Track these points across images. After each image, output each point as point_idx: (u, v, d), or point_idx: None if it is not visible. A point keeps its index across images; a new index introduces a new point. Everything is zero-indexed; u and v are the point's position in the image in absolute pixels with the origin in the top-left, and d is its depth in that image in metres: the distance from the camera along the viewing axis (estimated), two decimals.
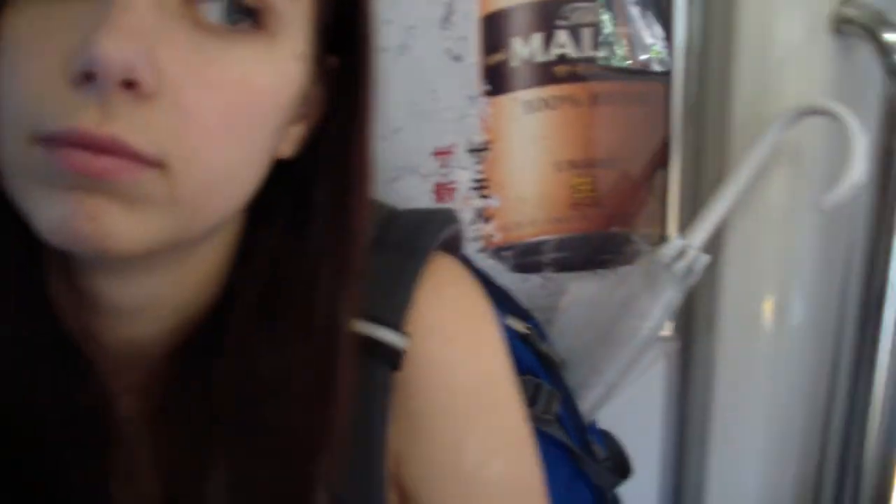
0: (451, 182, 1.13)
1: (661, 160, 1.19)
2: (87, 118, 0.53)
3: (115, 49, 0.51)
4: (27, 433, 0.67)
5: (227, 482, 0.69)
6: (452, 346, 0.77)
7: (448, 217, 0.82)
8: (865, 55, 1.06)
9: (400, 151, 1.10)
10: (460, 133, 1.12)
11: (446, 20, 1.08)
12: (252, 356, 0.69)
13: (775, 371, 1.19)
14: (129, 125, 0.54)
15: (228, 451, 0.69)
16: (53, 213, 0.56)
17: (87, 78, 0.52)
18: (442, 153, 1.13)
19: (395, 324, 0.73)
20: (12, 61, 0.56)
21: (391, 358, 0.73)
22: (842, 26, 1.07)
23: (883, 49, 1.02)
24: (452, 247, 0.82)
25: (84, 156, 0.54)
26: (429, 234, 0.79)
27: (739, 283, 1.17)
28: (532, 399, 0.98)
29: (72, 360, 0.68)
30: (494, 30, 1.11)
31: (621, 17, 1.12)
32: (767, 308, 1.17)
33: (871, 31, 1.04)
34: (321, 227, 0.70)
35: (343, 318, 0.70)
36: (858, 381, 1.13)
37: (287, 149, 0.68)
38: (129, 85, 0.53)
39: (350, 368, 0.70)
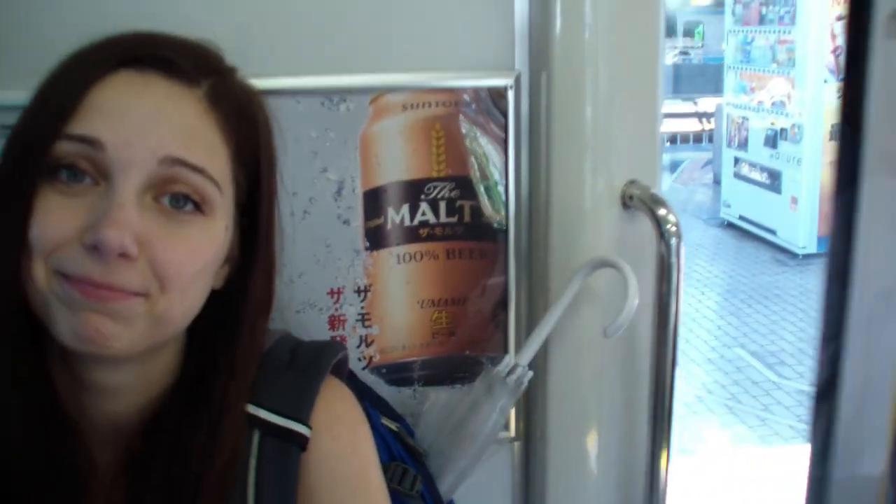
0: (342, 315, 1.42)
1: (501, 300, 1.48)
2: (95, 272, 0.86)
3: (115, 237, 0.85)
4: (22, 481, 0.95)
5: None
6: (337, 441, 1.06)
7: (338, 348, 1.14)
8: (644, 223, 1.39)
9: (303, 291, 1.39)
10: (348, 278, 1.42)
11: (338, 193, 1.38)
12: (178, 421, 0.99)
13: (594, 456, 1.50)
14: (120, 276, 0.87)
15: (164, 486, 0.96)
16: (69, 326, 0.88)
17: (95, 248, 0.85)
18: (334, 293, 1.42)
19: (304, 420, 1.03)
20: (44, 225, 0.87)
21: (301, 442, 1.03)
22: (628, 201, 1.41)
23: (656, 219, 1.35)
24: (341, 368, 1.14)
25: (94, 290, 0.86)
26: (325, 360, 1.10)
27: (562, 394, 1.49)
28: (400, 480, 1.26)
29: (64, 425, 0.96)
30: (374, 202, 1.41)
31: (468, 193, 1.44)
32: (586, 409, 1.50)
33: (647, 206, 1.37)
34: (229, 339, 1.01)
35: (234, 396, 1.00)
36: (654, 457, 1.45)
37: (216, 283, 1.00)
38: (122, 255, 0.86)
39: (232, 435, 0.99)
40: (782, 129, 10.67)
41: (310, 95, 1.32)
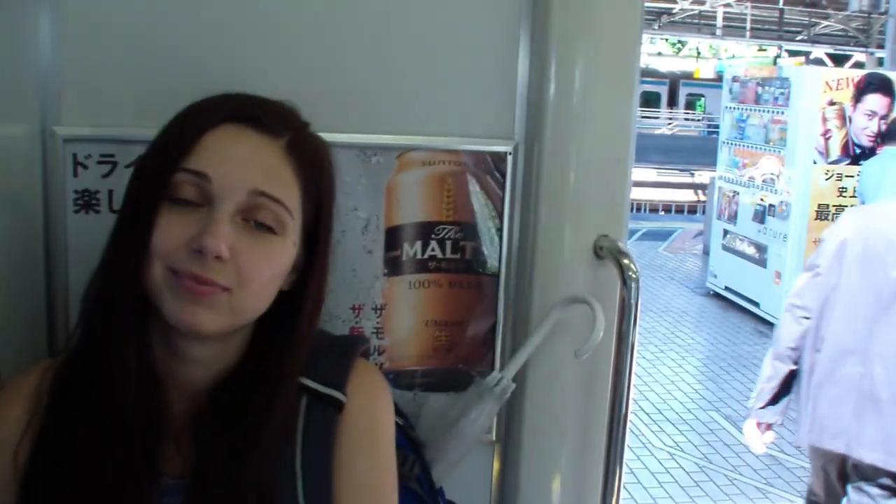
0: (361, 327, 1.73)
1: (491, 325, 1.79)
2: (197, 268, 1.19)
3: (214, 244, 1.17)
4: (125, 420, 1.25)
5: (224, 459, 1.26)
6: (363, 404, 1.36)
7: (364, 339, 1.47)
8: (611, 270, 1.70)
9: (332, 305, 1.68)
10: (368, 297, 1.72)
11: (366, 229, 1.69)
12: (244, 388, 1.30)
13: (561, 461, 1.81)
14: (215, 273, 1.20)
15: (227, 437, 1.26)
16: (176, 310, 1.21)
17: (199, 252, 1.18)
18: (356, 308, 1.72)
19: (341, 388, 1.35)
20: (163, 235, 1.20)
21: (338, 405, 1.34)
22: (598, 251, 1.72)
23: (621, 267, 1.66)
24: (366, 353, 1.46)
25: (194, 285, 1.19)
26: (356, 345, 1.42)
27: (537, 405, 1.80)
28: (402, 464, 1.53)
29: (156, 382, 1.29)
30: (393, 237, 1.71)
31: (469, 236, 1.75)
32: (555, 419, 1.80)
33: (614, 257, 1.69)
34: (290, 325, 1.32)
35: (290, 372, 1.31)
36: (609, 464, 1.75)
37: (285, 286, 1.33)
38: (217, 258, 1.18)
39: (286, 400, 1.30)
40: (770, 206, 10.95)
41: (349, 149, 1.64)
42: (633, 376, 1.71)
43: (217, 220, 1.19)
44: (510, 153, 1.74)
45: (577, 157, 1.73)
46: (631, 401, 1.72)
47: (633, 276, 1.66)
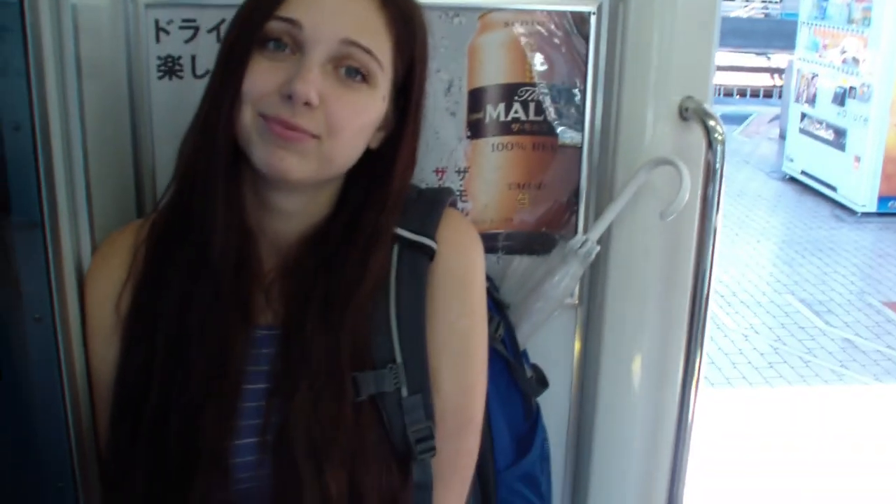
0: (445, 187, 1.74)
1: (575, 188, 1.79)
2: (286, 113, 1.20)
3: (303, 89, 1.18)
4: (216, 269, 1.28)
5: (319, 309, 1.29)
6: (454, 251, 1.37)
7: (451, 190, 1.48)
8: (696, 132, 1.68)
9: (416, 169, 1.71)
10: (451, 161, 1.73)
11: (448, 90, 1.69)
12: (337, 242, 1.32)
13: (643, 325, 1.82)
14: (304, 119, 1.20)
15: (322, 288, 1.30)
16: (264, 155, 1.22)
17: (289, 97, 1.18)
18: (439, 171, 1.73)
19: (432, 235, 1.35)
20: (254, 80, 1.20)
21: (429, 252, 1.35)
22: (683, 112, 1.70)
23: (706, 129, 1.64)
24: (454, 203, 1.46)
25: (282, 130, 1.20)
26: (445, 195, 1.42)
27: (621, 268, 1.80)
28: (488, 324, 1.53)
29: (247, 233, 1.32)
30: (476, 99, 1.71)
31: (554, 98, 1.73)
32: (638, 283, 1.81)
33: (700, 118, 1.67)
34: (382, 182, 1.34)
35: (386, 226, 1.33)
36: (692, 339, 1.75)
37: (373, 144, 1.33)
38: (306, 104, 1.19)
39: (383, 253, 1.32)
40: (851, 88, 10.68)
41: (431, 9, 1.58)
42: (718, 240, 1.69)
43: (307, 66, 1.19)
44: (594, 13, 1.71)
45: (662, 19, 1.71)
46: (716, 265, 1.71)
47: (719, 137, 1.64)
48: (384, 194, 1.33)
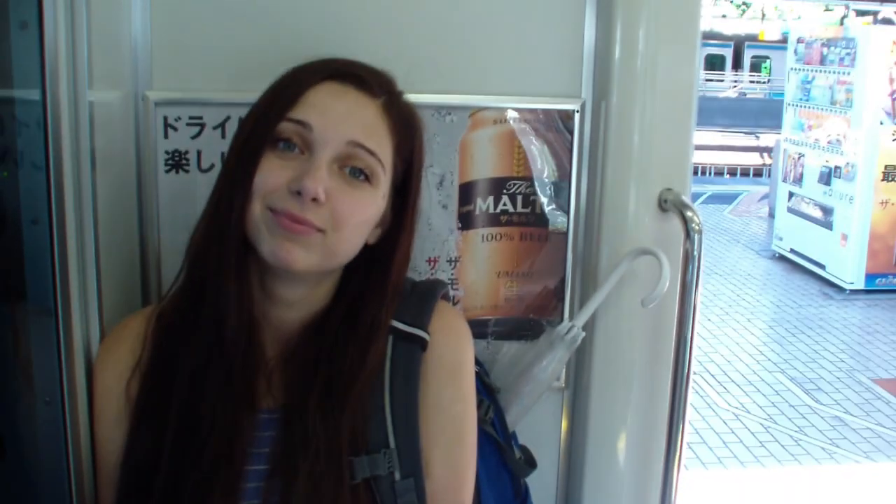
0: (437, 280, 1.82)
1: (561, 276, 1.87)
2: (295, 208, 1.29)
3: (312, 186, 1.27)
4: (220, 353, 1.36)
5: (320, 395, 1.36)
6: (446, 341, 1.45)
7: (444, 283, 1.56)
8: (675, 222, 1.77)
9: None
10: (443, 250, 1.81)
11: (440, 184, 1.78)
12: (336, 332, 1.40)
13: (628, 406, 1.89)
14: (311, 214, 1.29)
15: (322, 376, 1.37)
16: (272, 246, 1.31)
17: (298, 193, 1.27)
18: (432, 261, 1.81)
19: (425, 327, 1.44)
20: (265, 176, 1.30)
21: (422, 343, 1.43)
22: (663, 203, 1.79)
23: (684, 219, 1.73)
24: (446, 296, 1.54)
25: (290, 223, 1.29)
26: (438, 288, 1.51)
27: (606, 352, 1.88)
28: (477, 408, 1.59)
29: (251, 322, 1.39)
30: (467, 193, 1.80)
31: (540, 189, 1.81)
32: (622, 367, 1.88)
33: (678, 209, 1.75)
34: (380, 276, 1.43)
35: (383, 320, 1.41)
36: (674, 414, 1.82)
37: (370, 240, 1.41)
38: (314, 200, 1.27)
39: (381, 344, 1.40)
40: (836, 167, 10.87)
41: (425, 108, 1.67)
42: (696, 325, 1.77)
43: (316, 165, 1.29)
44: (577, 111, 1.81)
45: (642, 115, 1.80)
46: (695, 349, 1.78)
47: (697, 227, 1.73)
48: (383, 288, 1.42)
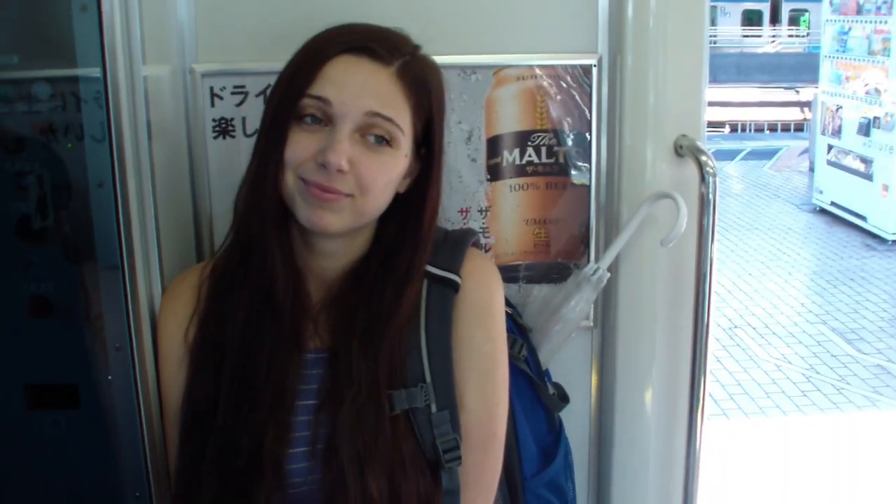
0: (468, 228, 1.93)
1: (586, 221, 1.97)
2: (323, 178, 1.40)
3: (335, 159, 1.38)
4: (272, 301, 1.49)
5: (361, 337, 1.49)
6: (476, 284, 1.56)
7: (474, 231, 1.67)
8: (691, 165, 1.86)
9: (441, 210, 1.79)
10: (474, 201, 1.93)
11: (469, 139, 1.89)
12: (374, 277, 1.52)
13: (652, 342, 2.00)
14: (338, 183, 1.40)
15: (363, 318, 1.49)
16: (306, 213, 1.43)
17: (323, 165, 1.38)
18: (463, 212, 1.93)
19: (456, 271, 1.55)
20: (294, 150, 1.41)
21: (455, 286, 1.54)
22: (678, 149, 1.89)
23: (699, 164, 1.82)
24: (476, 243, 1.65)
25: (320, 192, 1.40)
26: (468, 236, 1.61)
27: (629, 292, 1.99)
28: (511, 346, 1.74)
29: (296, 271, 1.52)
30: (494, 146, 1.91)
31: (563, 142, 1.92)
32: (646, 305, 1.99)
33: (693, 154, 1.85)
34: (413, 225, 1.53)
35: (418, 265, 1.52)
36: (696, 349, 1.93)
37: (401, 189, 1.52)
38: (339, 170, 1.38)
39: (416, 287, 1.51)
40: (875, 118, 10.78)
41: (451, 69, 1.82)
42: (714, 265, 1.87)
43: (337, 138, 1.39)
44: (595, 65, 1.91)
45: (656, 67, 1.90)
46: (714, 283, 1.89)
47: (711, 171, 1.82)
48: (416, 235, 1.53)
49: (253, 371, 1.48)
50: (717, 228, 1.85)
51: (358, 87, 1.41)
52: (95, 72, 1.42)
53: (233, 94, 1.82)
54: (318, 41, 1.47)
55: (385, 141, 1.44)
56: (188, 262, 1.77)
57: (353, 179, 1.41)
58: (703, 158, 1.84)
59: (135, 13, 1.48)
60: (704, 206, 1.84)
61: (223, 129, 1.83)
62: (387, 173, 1.45)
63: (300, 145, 1.41)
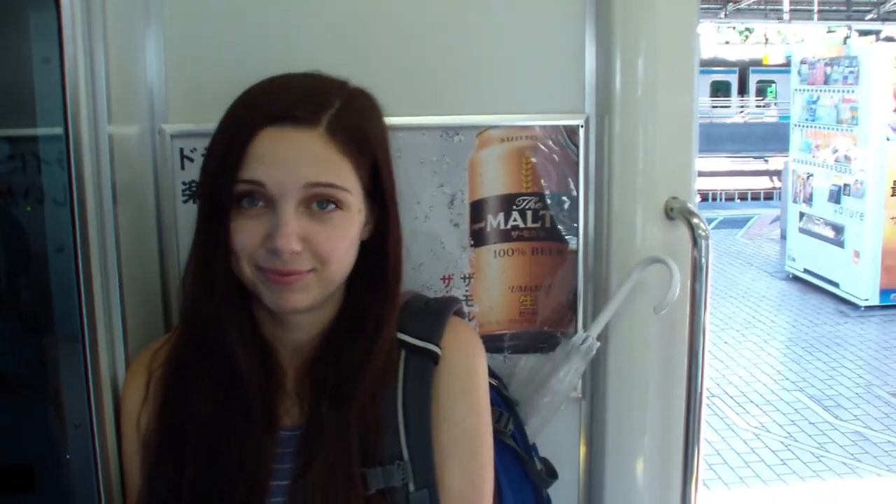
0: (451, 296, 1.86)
1: (573, 288, 1.90)
2: (279, 264, 1.32)
3: (284, 244, 1.29)
4: (240, 382, 1.40)
5: (331, 404, 1.40)
6: (457, 356, 1.48)
7: (457, 300, 1.59)
8: (682, 230, 1.80)
9: (423, 277, 1.81)
10: (457, 268, 1.85)
11: (451, 203, 1.82)
12: (344, 335, 1.44)
13: (643, 412, 1.92)
14: (295, 264, 1.32)
15: (332, 376, 1.41)
16: (272, 299, 1.35)
17: (274, 252, 1.30)
18: (446, 279, 1.85)
19: (436, 341, 1.46)
20: (241, 239, 1.32)
21: (434, 357, 1.46)
22: (669, 212, 1.82)
23: (690, 227, 1.76)
24: (459, 314, 1.58)
25: (280, 277, 1.32)
26: (451, 304, 1.54)
27: (620, 362, 1.91)
28: (497, 420, 1.65)
29: (264, 347, 1.44)
30: (478, 210, 1.84)
31: (549, 204, 1.86)
32: (637, 374, 1.91)
33: (685, 217, 1.79)
34: (378, 274, 1.45)
35: (387, 316, 1.44)
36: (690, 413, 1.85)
37: (364, 237, 1.42)
38: (292, 252, 1.30)
39: (388, 341, 1.43)
40: (846, 185, 10.90)
41: (433, 130, 1.77)
42: (707, 331, 1.80)
43: (283, 221, 1.30)
44: (582, 126, 1.85)
45: (645, 127, 1.84)
46: (707, 354, 1.81)
47: (704, 234, 1.76)
48: (383, 286, 1.45)
49: (221, 461, 1.39)
50: (710, 292, 1.78)
51: (290, 161, 1.31)
52: (58, 130, 1.35)
53: (203, 156, 1.72)
54: (240, 112, 1.38)
55: (333, 204, 1.34)
56: (155, 334, 1.67)
57: (310, 255, 1.33)
58: (695, 221, 1.78)
59: (100, 68, 1.42)
60: (697, 270, 1.77)
61: (193, 192, 1.74)
62: (343, 239, 1.37)
63: (246, 234, 1.32)
